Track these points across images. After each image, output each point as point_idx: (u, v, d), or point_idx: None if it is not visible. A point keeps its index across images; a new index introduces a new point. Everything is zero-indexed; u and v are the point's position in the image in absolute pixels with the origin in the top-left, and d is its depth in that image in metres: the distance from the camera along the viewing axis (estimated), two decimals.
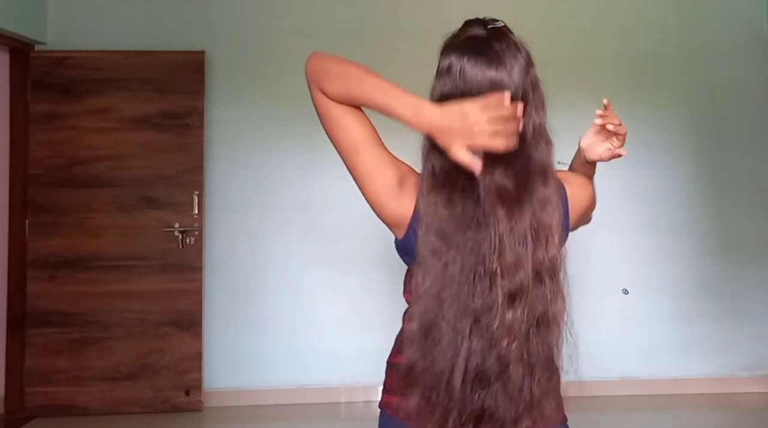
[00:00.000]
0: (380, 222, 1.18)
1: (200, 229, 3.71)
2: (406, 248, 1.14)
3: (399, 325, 1.26)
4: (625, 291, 3.88)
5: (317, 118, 1.23)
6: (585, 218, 1.27)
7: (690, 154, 3.95)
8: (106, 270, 3.66)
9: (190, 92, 3.72)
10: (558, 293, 1.05)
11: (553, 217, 1.05)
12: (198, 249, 3.70)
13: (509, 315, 1.00)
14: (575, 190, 1.20)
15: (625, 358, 3.82)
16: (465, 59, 1.05)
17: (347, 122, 1.14)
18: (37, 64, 3.70)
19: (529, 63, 1.09)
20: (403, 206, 1.11)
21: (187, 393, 3.65)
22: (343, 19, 3.90)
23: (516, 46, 1.08)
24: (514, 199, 1.03)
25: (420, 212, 1.07)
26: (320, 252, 3.83)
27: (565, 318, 1.06)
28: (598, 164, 1.48)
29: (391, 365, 1.22)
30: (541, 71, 3.56)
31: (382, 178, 1.13)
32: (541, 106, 1.10)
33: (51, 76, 3.68)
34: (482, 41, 1.06)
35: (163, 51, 3.75)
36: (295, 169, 3.86)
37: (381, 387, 1.24)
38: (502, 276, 1.01)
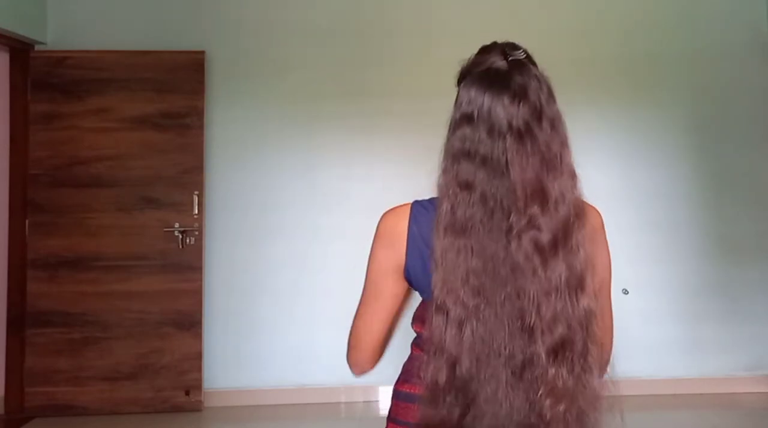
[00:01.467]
0: None
1: (200, 229, 3.71)
2: (414, 284, 1.13)
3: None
4: (625, 292, 3.87)
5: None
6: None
7: (690, 154, 3.95)
8: (106, 270, 3.66)
9: (190, 92, 3.72)
10: (594, 342, 1.01)
11: (586, 263, 1.01)
12: (198, 249, 3.70)
13: (552, 371, 0.97)
14: (592, 219, 1.14)
15: (625, 358, 3.80)
16: (486, 95, 1.02)
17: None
18: (37, 64, 3.70)
19: (551, 97, 1.05)
20: (400, 264, 1.11)
21: (187, 393, 3.65)
22: (343, 19, 3.91)
23: (538, 79, 1.04)
24: (551, 249, 0.98)
25: (436, 256, 1.02)
26: (320, 252, 3.83)
27: (599, 361, 1.03)
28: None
29: (396, 393, 1.21)
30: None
31: (391, 290, 1.14)
32: (566, 141, 1.04)
33: (51, 76, 3.68)
34: (504, 74, 1.02)
35: (163, 51, 3.75)
36: (295, 169, 3.86)
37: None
38: (543, 332, 0.97)
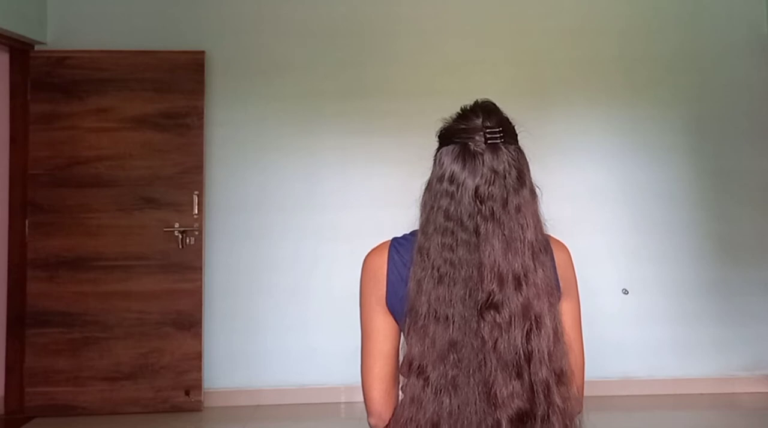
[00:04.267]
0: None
1: (200, 229, 3.71)
2: (394, 312, 1.19)
3: None
4: (625, 291, 3.88)
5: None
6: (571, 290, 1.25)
7: (690, 153, 3.95)
8: (106, 270, 3.66)
9: (190, 92, 3.72)
10: (555, 410, 1.08)
11: (546, 337, 1.09)
12: (198, 249, 3.70)
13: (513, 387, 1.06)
14: (562, 257, 1.23)
15: (625, 358, 3.82)
16: (464, 172, 1.12)
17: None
18: (37, 64, 3.70)
19: (520, 177, 1.13)
20: (382, 296, 1.19)
21: (187, 393, 3.65)
22: (343, 19, 3.91)
23: (509, 162, 1.12)
24: (506, 326, 1.07)
25: (418, 321, 1.11)
26: (320, 252, 3.83)
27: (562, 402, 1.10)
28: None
29: None
30: (541, 71, 3.60)
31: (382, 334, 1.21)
32: (529, 221, 1.13)
33: (51, 76, 3.68)
34: (480, 156, 1.12)
35: (163, 51, 3.75)
36: (295, 169, 3.86)
37: None
38: (502, 405, 1.05)
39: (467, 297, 1.09)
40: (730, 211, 3.93)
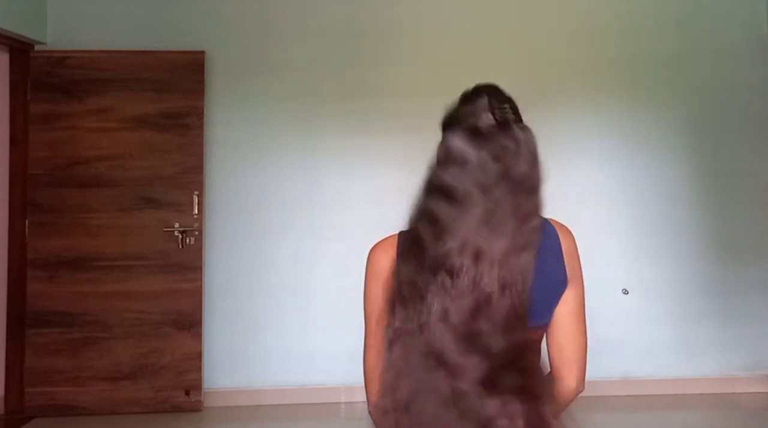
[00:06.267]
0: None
1: (200, 229, 3.71)
2: None
3: None
4: (625, 292, 3.88)
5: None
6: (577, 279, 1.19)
7: (690, 154, 3.95)
8: (106, 270, 3.66)
9: (190, 92, 3.72)
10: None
11: (525, 273, 1.01)
12: (198, 249, 3.70)
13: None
14: (567, 243, 1.18)
15: (625, 358, 3.82)
16: (471, 148, 1.06)
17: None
18: (37, 64, 3.70)
19: (532, 159, 1.07)
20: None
21: (187, 393, 3.65)
22: (343, 19, 3.91)
23: (520, 134, 1.07)
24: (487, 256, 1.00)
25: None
26: (320, 252, 3.83)
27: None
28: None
29: None
30: (541, 71, 3.60)
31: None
32: (524, 203, 1.05)
33: (51, 76, 3.68)
34: (489, 134, 1.07)
35: (163, 51, 3.75)
36: (295, 169, 3.86)
37: None
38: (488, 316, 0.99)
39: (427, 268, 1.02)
40: (730, 211, 3.93)
